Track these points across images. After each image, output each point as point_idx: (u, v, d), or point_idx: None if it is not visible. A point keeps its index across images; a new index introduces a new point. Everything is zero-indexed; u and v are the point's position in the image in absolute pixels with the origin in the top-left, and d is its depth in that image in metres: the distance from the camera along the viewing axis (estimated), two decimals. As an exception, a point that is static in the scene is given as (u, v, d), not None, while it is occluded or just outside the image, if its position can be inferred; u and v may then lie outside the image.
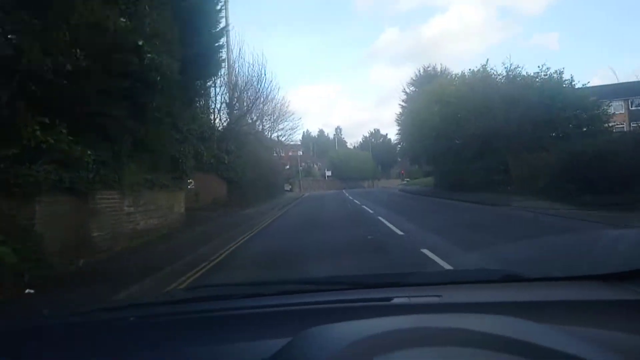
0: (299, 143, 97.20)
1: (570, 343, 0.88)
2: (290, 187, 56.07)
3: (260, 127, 43.18)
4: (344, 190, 47.09)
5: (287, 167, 59.83)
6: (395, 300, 1.50)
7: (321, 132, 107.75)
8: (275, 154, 48.42)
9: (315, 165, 68.40)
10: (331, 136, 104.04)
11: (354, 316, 1.16)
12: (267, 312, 1.50)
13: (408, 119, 65.09)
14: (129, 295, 5.19)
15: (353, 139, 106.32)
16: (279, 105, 43.67)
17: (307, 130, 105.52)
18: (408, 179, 72.39)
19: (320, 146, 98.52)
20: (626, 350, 0.96)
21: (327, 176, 68.50)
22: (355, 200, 24.49)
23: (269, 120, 43.29)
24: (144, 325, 1.51)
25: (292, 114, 47.12)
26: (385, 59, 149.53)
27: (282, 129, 46.06)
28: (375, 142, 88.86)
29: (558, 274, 1.70)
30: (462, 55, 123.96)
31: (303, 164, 66.50)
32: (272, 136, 45.73)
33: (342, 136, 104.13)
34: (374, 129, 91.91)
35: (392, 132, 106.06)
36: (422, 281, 1.89)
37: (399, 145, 72.00)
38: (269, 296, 1.69)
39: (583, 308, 1.32)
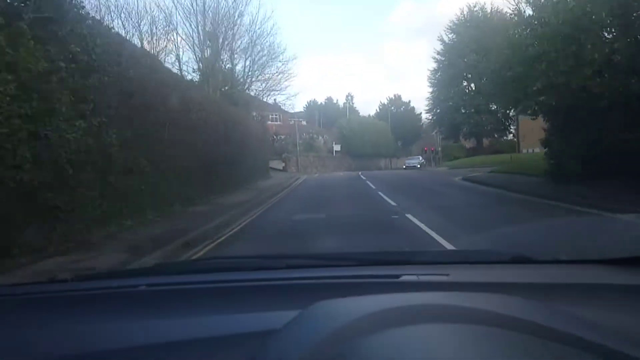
0: (302, 110, 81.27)
1: (577, 325, 0.89)
2: (283, 165, 40.41)
3: (229, 64, 27.31)
4: (361, 175, 30.95)
5: (282, 137, 44.14)
6: (404, 278, 1.49)
7: (329, 100, 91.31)
8: (258, 117, 32.55)
9: (320, 138, 52.57)
10: (341, 104, 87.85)
11: (363, 292, 1.18)
12: (276, 284, 1.50)
13: (448, 73, 48.78)
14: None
15: (366, 114, 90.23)
16: (259, 31, 27.90)
17: (313, 100, 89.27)
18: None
19: (329, 117, 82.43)
20: (633, 335, 0.96)
21: (335, 151, 52.66)
22: (424, 227, 8.45)
23: (243, 56, 27.41)
24: (155, 294, 1.50)
25: (284, 49, 30.29)
26: (399, 34, 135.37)
27: (267, 77, 30.11)
28: (395, 111, 72.47)
29: (567, 258, 1.69)
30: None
31: (305, 134, 50.62)
32: (252, 89, 29.83)
33: (354, 105, 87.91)
34: (394, 95, 75.72)
35: (415, 102, 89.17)
36: (431, 260, 1.87)
37: (432, 113, 55.84)
38: (278, 270, 1.70)
39: (592, 291, 1.31)
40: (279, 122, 58.65)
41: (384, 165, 67.28)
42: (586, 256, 1.66)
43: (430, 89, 52.63)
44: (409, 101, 75.56)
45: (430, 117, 53.70)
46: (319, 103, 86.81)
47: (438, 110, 51.09)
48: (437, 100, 50.94)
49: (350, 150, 55.72)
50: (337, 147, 53.39)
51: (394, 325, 0.86)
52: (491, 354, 0.79)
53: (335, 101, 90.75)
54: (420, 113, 77.08)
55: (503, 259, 1.70)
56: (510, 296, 1.08)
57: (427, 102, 53.67)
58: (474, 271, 1.61)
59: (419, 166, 46.11)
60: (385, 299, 1.08)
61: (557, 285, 1.39)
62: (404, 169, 44.88)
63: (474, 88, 48.25)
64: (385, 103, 75.59)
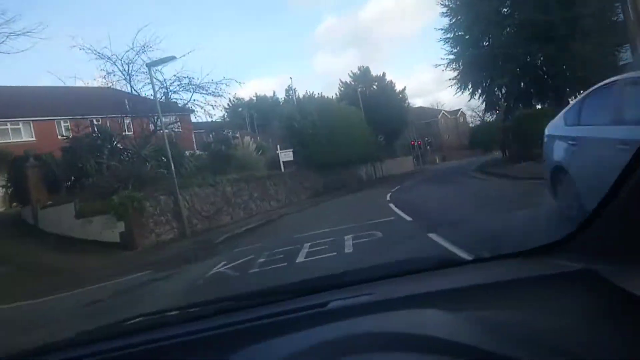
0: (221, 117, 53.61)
1: (484, 334, 0.96)
2: (123, 229, 12.78)
3: None
4: None
5: (129, 149, 16.52)
6: (331, 305, 1.50)
7: (262, 98, 64.17)
8: None
9: (248, 141, 25.07)
10: (281, 99, 61.06)
11: (291, 329, 1.23)
12: (202, 337, 1.47)
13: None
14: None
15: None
16: None
17: (236, 97, 62.04)
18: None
19: (264, 118, 55.72)
20: (544, 332, 1.00)
21: (284, 163, 25.36)
22: None
23: None
24: None
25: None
26: (327, 47, 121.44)
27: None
28: (366, 92, 46.31)
29: (489, 254, 1.76)
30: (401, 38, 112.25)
31: (210, 137, 23.09)
32: None
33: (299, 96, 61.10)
34: (360, 67, 49.15)
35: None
36: (358, 279, 1.82)
37: (457, 62, 28.31)
38: (206, 318, 1.65)
39: (509, 288, 1.35)
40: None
41: (365, 176, 41.08)
42: (505, 250, 1.70)
43: (448, 19, 26.70)
44: (384, 74, 49.58)
45: (454, 73, 27.55)
46: (247, 99, 59.84)
47: (469, 53, 25.13)
48: (468, 34, 25.06)
49: (310, 158, 28.93)
50: (286, 156, 26.23)
51: None
52: None
53: (272, 96, 63.98)
54: (404, 89, 51.63)
55: (427, 265, 1.77)
56: (426, 310, 1.16)
57: (444, 46, 27.43)
58: (399, 285, 1.64)
59: None
60: (308, 336, 1.12)
61: (476, 287, 1.41)
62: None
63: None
64: (349, 81, 49.16)
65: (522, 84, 24.03)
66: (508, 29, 22.51)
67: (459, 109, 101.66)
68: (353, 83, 48.08)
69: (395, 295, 1.46)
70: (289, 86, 57.18)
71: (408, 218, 9.00)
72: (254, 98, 60.63)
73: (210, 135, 22.34)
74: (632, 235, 1.20)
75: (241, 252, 8.72)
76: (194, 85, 16.13)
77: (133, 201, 12.34)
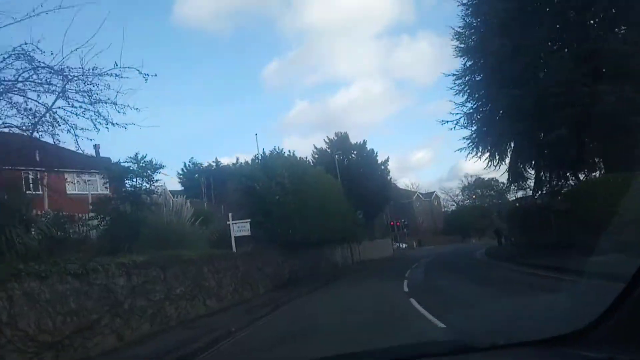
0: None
1: None
2: None
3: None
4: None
5: None
6: None
7: (223, 166, 56.67)
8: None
9: (181, 203, 17.28)
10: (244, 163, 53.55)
11: None
12: None
13: None
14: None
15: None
16: None
17: (192, 162, 54.38)
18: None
19: (222, 184, 47.95)
20: None
21: (237, 238, 17.24)
22: None
23: None
24: None
25: None
26: (298, 130, 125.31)
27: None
28: (343, 161, 39.51)
29: (504, 342, 1.75)
30: (366, 124, 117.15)
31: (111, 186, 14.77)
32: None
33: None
34: (337, 133, 42.52)
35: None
36: None
37: (472, 117, 19.67)
38: None
39: None
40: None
41: (341, 260, 33.12)
42: (521, 338, 1.72)
43: (461, 60, 20.66)
44: (364, 142, 43.12)
45: (468, 132, 20.98)
46: (205, 166, 52.20)
47: (504, 94, 18.66)
48: (498, 75, 18.77)
49: (274, 233, 20.96)
50: (240, 229, 18.04)
51: None
52: None
53: (234, 163, 56.41)
54: (387, 160, 45.06)
55: (443, 349, 1.76)
56: None
57: (454, 97, 21.08)
58: None
59: None
60: None
61: None
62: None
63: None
64: (324, 147, 42.38)
65: (574, 142, 17.33)
66: (561, 63, 16.14)
67: (433, 192, 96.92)
68: (329, 150, 41.38)
69: None
70: (255, 155, 49.81)
71: None
72: (213, 164, 52.88)
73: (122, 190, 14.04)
74: None
75: None
76: (51, 70, 8.05)
77: None
